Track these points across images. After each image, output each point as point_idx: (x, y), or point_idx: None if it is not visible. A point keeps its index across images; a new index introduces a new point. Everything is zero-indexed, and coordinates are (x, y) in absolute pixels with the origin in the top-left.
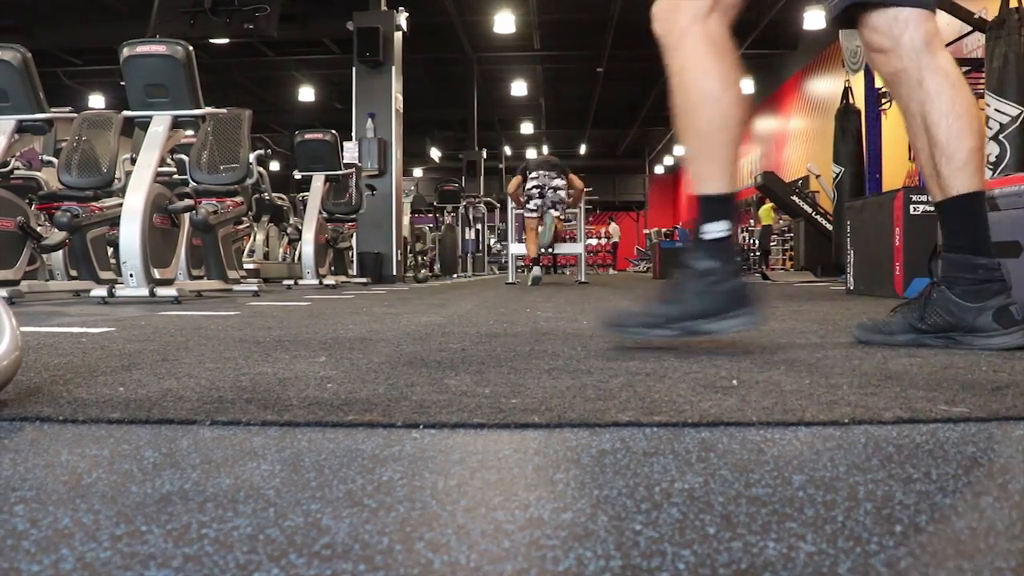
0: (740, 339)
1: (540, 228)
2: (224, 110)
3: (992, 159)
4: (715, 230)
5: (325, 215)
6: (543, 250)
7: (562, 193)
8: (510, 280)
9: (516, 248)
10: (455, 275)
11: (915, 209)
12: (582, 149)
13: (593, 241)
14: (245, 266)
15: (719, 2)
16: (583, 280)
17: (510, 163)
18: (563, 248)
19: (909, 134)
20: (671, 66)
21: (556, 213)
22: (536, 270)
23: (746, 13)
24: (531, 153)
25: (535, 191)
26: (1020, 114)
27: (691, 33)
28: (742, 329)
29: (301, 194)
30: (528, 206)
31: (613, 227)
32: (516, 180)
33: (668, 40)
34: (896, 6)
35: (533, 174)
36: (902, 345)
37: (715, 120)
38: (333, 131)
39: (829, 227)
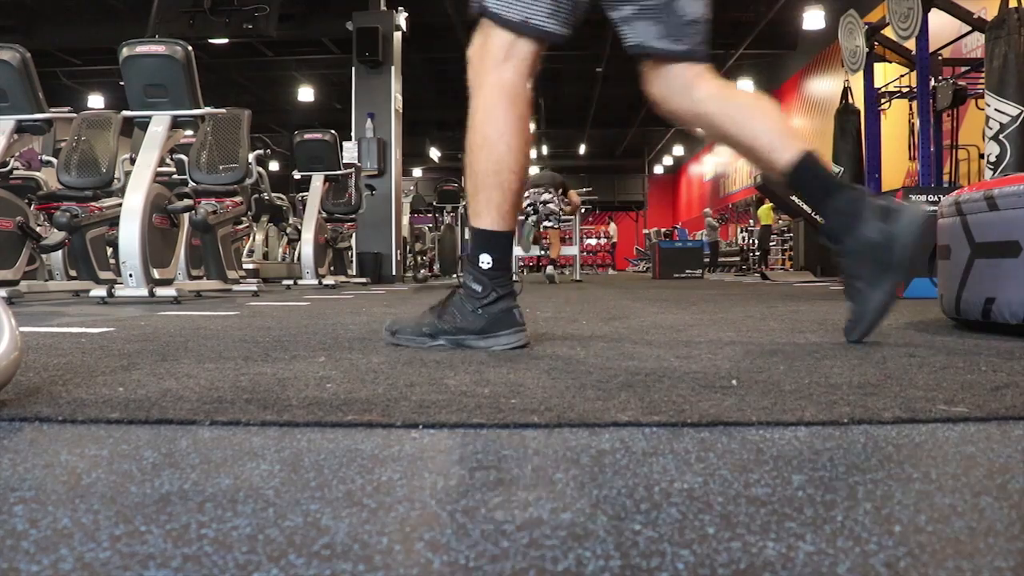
0: (740, 339)
1: (522, 235)
2: (223, 110)
3: (992, 159)
4: (484, 260)
5: (324, 215)
6: (535, 252)
7: (552, 206)
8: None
9: (517, 251)
10: (454, 275)
11: None
12: (581, 149)
13: (593, 241)
14: (244, 266)
15: (512, 53)
16: (578, 279)
17: None
18: (562, 250)
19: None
20: (470, 107)
21: (550, 224)
22: (549, 268)
23: (745, 13)
24: (531, 153)
25: (529, 208)
26: (1020, 114)
27: (487, 80)
28: (507, 348)
29: (300, 194)
30: (528, 221)
31: (612, 227)
32: None
33: (472, 83)
34: (672, 62)
35: (525, 193)
36: (423, 347)
37: (490, 164)
38: (332, 131)
39: None
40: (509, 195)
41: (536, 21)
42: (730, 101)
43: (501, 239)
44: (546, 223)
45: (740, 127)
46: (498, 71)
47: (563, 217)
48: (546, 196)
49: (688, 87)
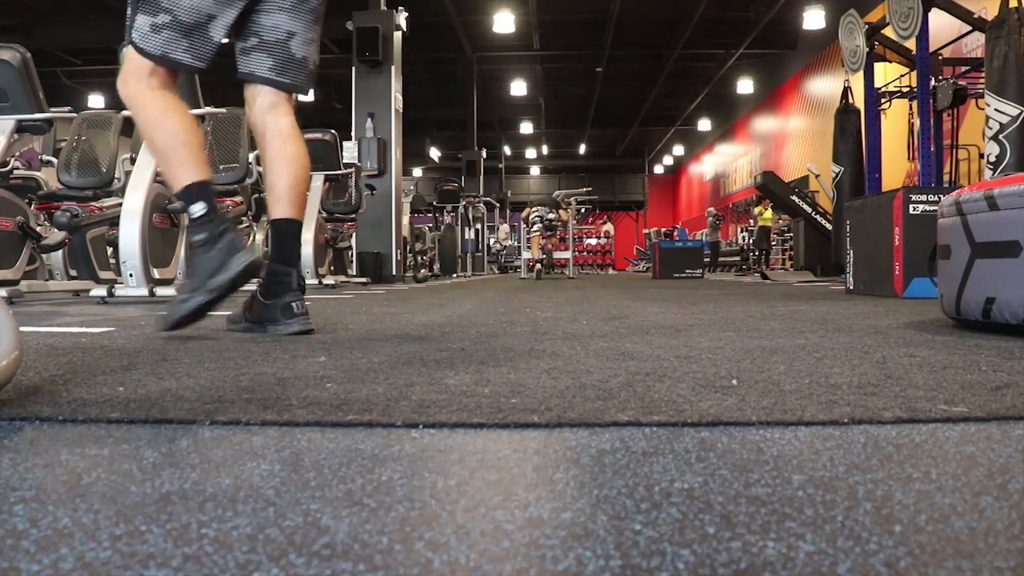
0: (740, 339)
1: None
2: (223, 110)
3: (992, 159)
4: (197, 210)
5: (325, 215)
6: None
7: (552, 218)
8: (523, 276)
9: (527, 253)
10: (455, 275)
11: (914, 209)
12: (581, 149)
13: (593, 241)
14: None
15: (154, 73)
16: (571, 276)
17: (510, 163)
18: (558, 254)
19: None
20: (136, 119)
21: (551, 232)
22: (538, 267)
23: (745, 12)
24: (530, 153)
25: (536, 219)
26: (1020, 114)
27: (137, 91)
28: (237, 273)
29: None
30: (533, 229)
31: (608, 227)
32: (527, 211)
33: (128, 104)
34: (255, 83)
35: (535, 209)
36: (241, 331)
37: (166, 136)
38: (332, 131)
39: (829, 227)
40: (193, 149)
41: (174, 56)
42: (279, 142)
43: (206, 186)
44: (548, 232)
45: (269, 164)
46: (147, 82)
47: (555, 223)
48: (551, 215)
49: (269, 110)
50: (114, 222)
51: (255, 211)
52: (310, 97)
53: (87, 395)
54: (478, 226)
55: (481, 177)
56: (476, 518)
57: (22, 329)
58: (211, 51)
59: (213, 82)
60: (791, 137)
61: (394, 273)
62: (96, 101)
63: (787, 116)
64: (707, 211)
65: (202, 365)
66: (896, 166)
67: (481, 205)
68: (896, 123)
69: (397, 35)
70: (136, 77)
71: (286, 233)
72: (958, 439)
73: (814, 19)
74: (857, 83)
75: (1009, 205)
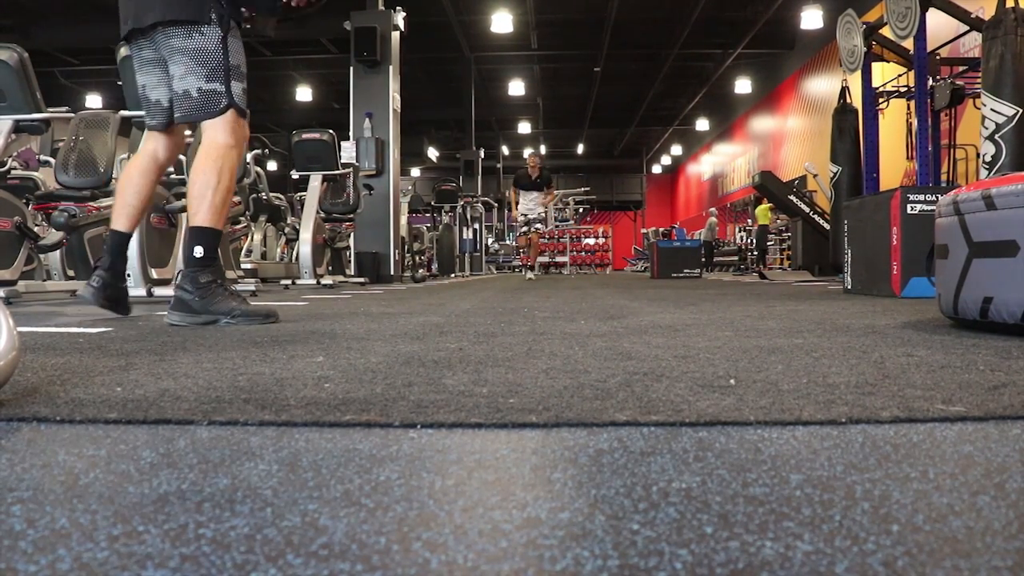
0: (738, 338)
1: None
2: None
3: (988, 159)
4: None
5: (323, 215)
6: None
7: (540, 211)
8: (529, 277)
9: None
10: (453, 275)
11: (912, 208)
12: (579, 149)
13: (591, 240)
14: (242, 266)
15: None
16: (566, 273)
17: (508, 163)
18: (557, 258)
19: None
20: (226, 169)
21: (539, 225)
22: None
23: (743, 12)
24: (528, 152)
25: (521, 217)
26: (1016, 114)
27: (238, 144)
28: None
29: (299, 194)
30: (520, 231)
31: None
32: (512, 194)
33: (236, 156)
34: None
35: (520, 199)
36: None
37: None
38: (331, 131)
39: (827, 226)
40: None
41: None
42: (199, 160)
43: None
44: (538, 225)
45: (191, 180)
46: (138, 158)
47: (540, 217)
48: (532, 215)
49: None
50: None
51: (253, 211)
52: (307, 97)
53: (85, 395)
54: (476, 226)
55: (479, 177)
56: (474, 518)
57: (20, 329)
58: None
59: None
60: (789, 137)
61: (392, 273)
62: (94, 101)
63: (785, 116)
64: (709, 211)
65: (200, 365)
66: (894, 166)
67: (479, 205)
68: (894, 123)
69: (395, 35)
70: (238, 134)
71: (192, 237)
72: (955, 439)
73: (812, 19)
74: (855, 83)
75: (1007, 205)
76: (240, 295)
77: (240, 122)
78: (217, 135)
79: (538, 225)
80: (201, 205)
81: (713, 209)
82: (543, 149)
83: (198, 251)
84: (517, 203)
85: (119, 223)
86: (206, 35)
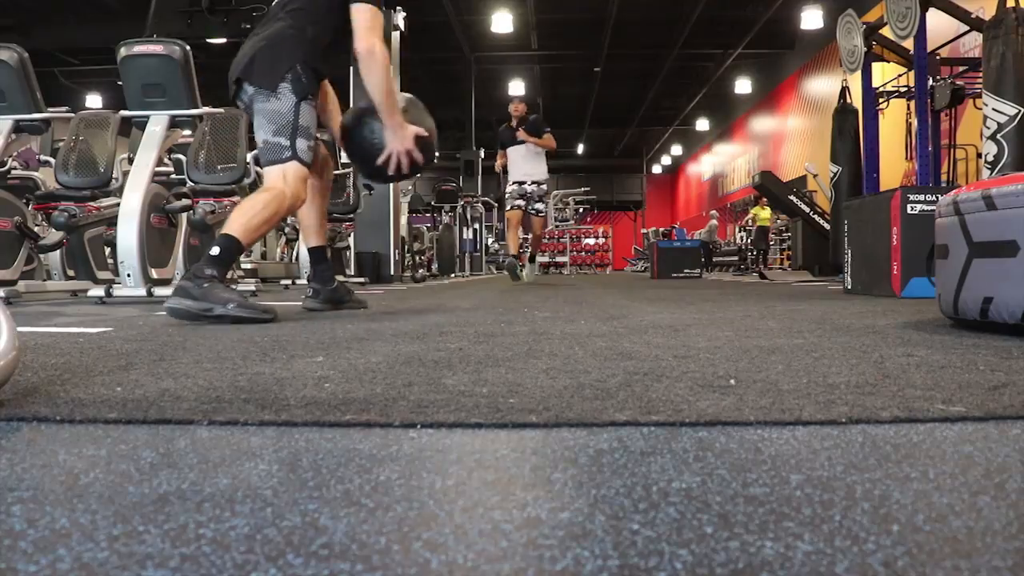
0: (738, 338)
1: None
2: (222, 110)
3: (990, 159)
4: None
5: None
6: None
7: (539, 175)
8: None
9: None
10: (453, 275)
11: (912, 208)
12: (580, 149)
13: (591, 241)
14: (243, 266)
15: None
16: (566, 273)
17: None
18: (557, 258)
19: None
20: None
21: (540, 206)
22: (519, 268)
23: (743, 12)
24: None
25: (513, 187)
26: (1017, 113)
27: (302, 191)
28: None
29: None
30: (516, 202)
31: (601, 228)
32: (500, 161)
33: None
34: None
35: (510, 163)
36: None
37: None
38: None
39: (827, 226)
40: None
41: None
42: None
43: (323, 250)
44: (539, 204)
45: (304, 208)
46: (305, 183)
47: (538, 193)
48: (530, 186)
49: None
50: (112, 222)
51: None
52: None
53: (85, 395)
54: (476, 226)
55: (479, 177)
56: (474, 518)
57: (20, 329)
58: None
59: (212, 82)
60: (789, 137)
61: (392, 273)
62: (93, 101)
63: (785, 116)
64: (711, 213)
65: (200, 365)
66: (894, 166)
67: (479, 205)
68: (894, 123)
69: (395, 35)
70: (295, 187)
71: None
72: (956, 439)
73: (812, 19)
74: (855, 83)
75: (1007, 205)
76: (241, 294)
77: (301, 172)
78: (277, 180)
79: (539, 206)
80: (240, 219)
81: (714, 212)
82: None
83: (215, 250)
84: (505, 168)
85: (310, 242)
86: (281, 100)
